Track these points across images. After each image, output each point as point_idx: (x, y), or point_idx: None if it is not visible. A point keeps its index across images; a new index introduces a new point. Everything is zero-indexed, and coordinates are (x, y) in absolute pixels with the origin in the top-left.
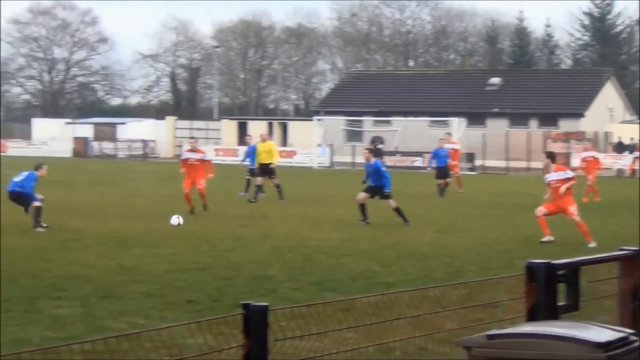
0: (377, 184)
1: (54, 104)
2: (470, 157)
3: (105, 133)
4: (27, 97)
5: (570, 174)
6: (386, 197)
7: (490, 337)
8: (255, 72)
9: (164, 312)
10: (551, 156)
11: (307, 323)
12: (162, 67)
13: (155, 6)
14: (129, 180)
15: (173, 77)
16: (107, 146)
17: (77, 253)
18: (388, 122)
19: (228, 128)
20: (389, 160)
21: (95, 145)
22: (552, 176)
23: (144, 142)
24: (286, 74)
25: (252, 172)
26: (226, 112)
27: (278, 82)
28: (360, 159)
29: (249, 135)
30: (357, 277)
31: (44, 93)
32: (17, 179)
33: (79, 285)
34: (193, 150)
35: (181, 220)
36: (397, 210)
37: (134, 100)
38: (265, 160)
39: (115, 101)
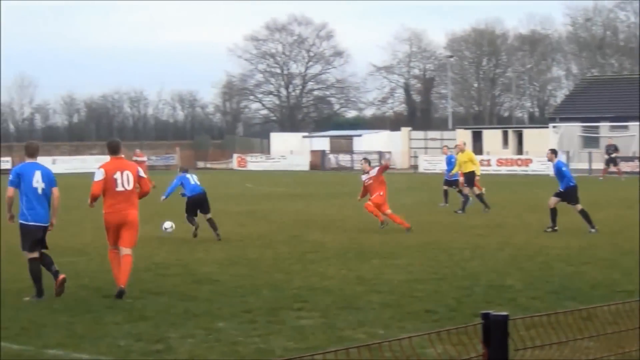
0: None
1: (291, 118)
2: None
3: (342, 145)
4: (265, 112)
5: None
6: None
7: None
8: (489, 81)
9: (403, 322)
10: None
11: (546, 332)
12: (396, 79)
13: (388, 18)
14: None
15: (407, 88)
16: (344, 158)
17: (317, 265)
18: (625, 127)
19: (463, 137)
20: (626, 166)
21: (332, 157)
22: None
23: (380, 153)
24: (520, 82)
25: (448, 183)
26: (460, 121)
27: (512, 90)
28: (596, 165)
29: (446, 146)
30: (597, 286)
31: (282, 108)
32: (197, 182)
33: (319, 296)
34: (364, 171)
35: (171, 227)
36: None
37: (369, 112)
38: (466, 169)
39: (351, 113)
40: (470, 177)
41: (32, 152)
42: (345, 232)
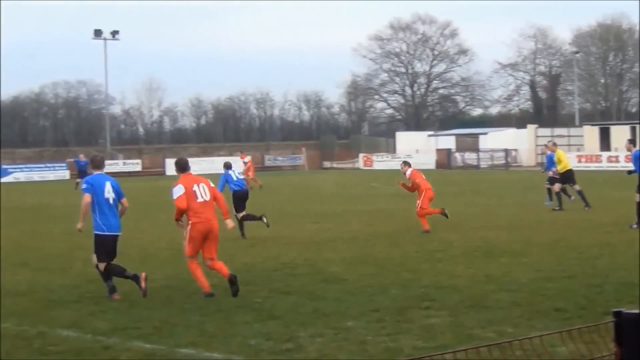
0: None
1: (416, 117)
2: None
3: (467, 144)
4: (390, 111)
5: None
6: None
7: None
8: (616, 76)
9: (532, 321)
10: None
11: None
12: (521, 76)
13: (513, 15)
14: (492, 190)
15: (533, 85)
16: (470, 157)
17: (445, 263)
18: None
19: (590, 134)
20: None
21: (457, 156)
22: None
23: (506, 151)
24: None
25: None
26: (587, 117)
27: None
28: None
29: (552, 142)
30: None
31: (407, 107)
32: (239, 177)
33: (447, 295)
34: (404, 172)
35: None
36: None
37: (494, 109)
38: (559, 168)
39: (476, 112)
40: (567, 175)
41: (98, 165)
42: (472, 231)
